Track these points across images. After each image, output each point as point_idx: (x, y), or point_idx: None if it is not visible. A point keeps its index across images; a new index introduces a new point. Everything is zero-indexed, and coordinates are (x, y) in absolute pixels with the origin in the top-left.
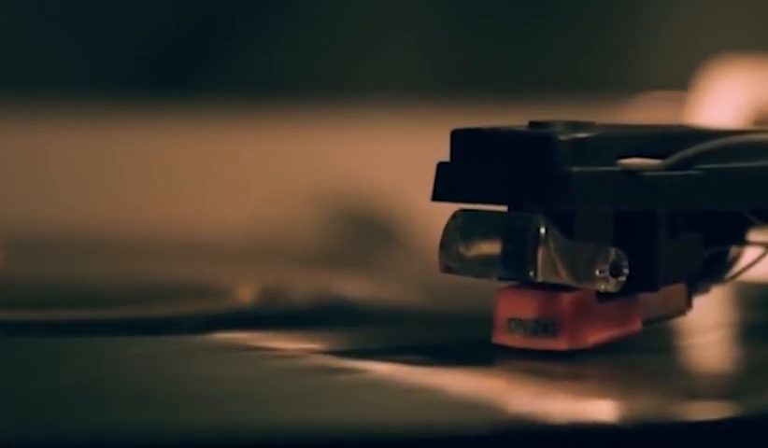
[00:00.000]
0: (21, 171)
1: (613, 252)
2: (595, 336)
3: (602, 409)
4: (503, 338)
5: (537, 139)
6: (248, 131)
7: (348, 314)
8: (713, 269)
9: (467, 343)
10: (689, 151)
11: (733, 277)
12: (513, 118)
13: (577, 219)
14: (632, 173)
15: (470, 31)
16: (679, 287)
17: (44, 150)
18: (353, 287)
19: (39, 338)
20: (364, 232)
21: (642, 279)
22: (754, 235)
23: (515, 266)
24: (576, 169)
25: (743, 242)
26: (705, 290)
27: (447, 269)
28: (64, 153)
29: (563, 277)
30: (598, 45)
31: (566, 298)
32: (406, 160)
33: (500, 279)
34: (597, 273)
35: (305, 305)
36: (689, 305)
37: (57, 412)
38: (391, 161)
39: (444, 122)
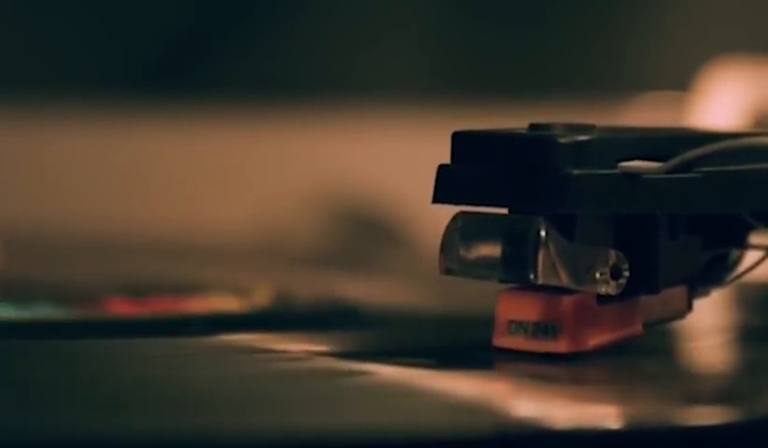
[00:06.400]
0: (22, 171)
1: (613, 255)
2: (595, 339)
3: (602, 412)
4: (503, 340)
5: (537, 142)
6: (248, 131)
7: (350, 315)
8: (713, 271)
9: (469, 346)
10: (689, 154)
11: (734, 280)
12: (515, 119)
13: (578, 222)
14: (632, 176)
15: (471, 32)
16: (679, 290)
17: (44, 150)
18: (355, 289)
19: (39, 338)
20: (366, 233)
21: (642, 282)
22: (754, 238)
23: (515, 269)
24: (576, 172)
25: (743, 245)
26: (706, 293)
27: (447, 271)
28: (63, 153)
29: (564, 280)
30: (598, 46)
31: (567, 300)
32: (409, 160)
33: (500, 282)
34: (597, 275)
35: (306, 307)
36: (689, 308)
37: (57, 412)
38: (392, 162)
39: (447, 123)
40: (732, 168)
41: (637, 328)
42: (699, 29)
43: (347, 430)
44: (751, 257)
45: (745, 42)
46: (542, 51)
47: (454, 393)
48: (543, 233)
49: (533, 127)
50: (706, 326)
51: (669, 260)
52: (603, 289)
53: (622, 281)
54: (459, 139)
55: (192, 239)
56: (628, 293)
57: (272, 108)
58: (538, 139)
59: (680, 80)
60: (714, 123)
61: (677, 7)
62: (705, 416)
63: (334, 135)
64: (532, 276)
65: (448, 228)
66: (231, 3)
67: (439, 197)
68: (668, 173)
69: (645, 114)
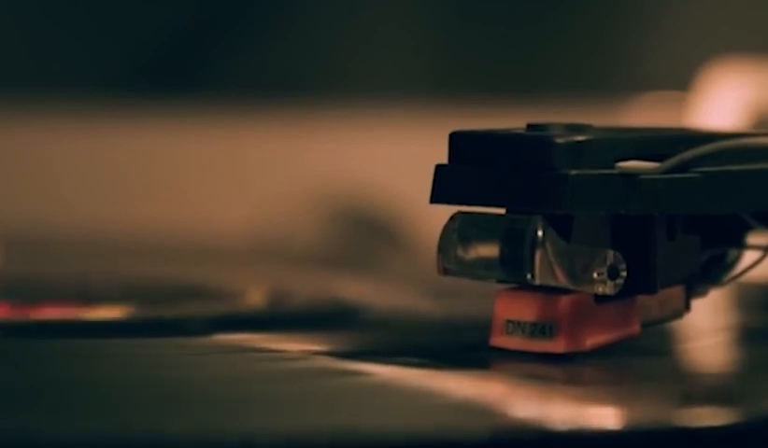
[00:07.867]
0: (22, 171)
1: (611, 254)
2: (593, 339)
3: (600, 412)
4: (500, 340)
5: (535, 142)
6: (247, 131)
7: (349, 316)
8: (711, 271)
9: (467, 346)
10: (687, 154)
11: (732, 280)
12: (515, 119)
13: (575, 222)
14: (629, 176)
15: (470, 32)
16: (677, 290)
17: (43, 150)
18: (354, 289)
19: (39, 338)
20: (365, 234)
21: (640, 282)
22: (752, 238)
23: (513, 269)
24: (573, 172)
25: (741, 244)
26: (703, 293)
27: (444, 271)
28: (63, 153)
29: (561, 280)
30: (598, 45)
31: (564, 300)
32: (408, 161)
33: (498, 282)
34: (595, 275)
35: (305, 307)
36: (687, 308)
37: (57, 412)
38: (391, 163)
39: (447, 123)
40: (729, 168)
41: (635, 328)
42: (699, 29)
43: (344, 431)
44: (749, 256)
45: (745, 42)
46: (542, 51)
47: (452, 393)
48: (540, 233)
49: (530, 127)
50: (705, 326)
51: (667, 260)
52: (600, 289)
53: (620, 281)
54: (456, 139)
55: (192, 239)
56: (625, 293)
57: (271, 108)
58: (536, 139)
59: (680, 80)
60: (714, 123)
61: (677, 7)
62: (703, 417)
63: (333, 135)
64: (529, 276)
65: (446, 228)
66: (230, 3)
67: (437, 197)
68: (666, 173)
69: (645, 114)
